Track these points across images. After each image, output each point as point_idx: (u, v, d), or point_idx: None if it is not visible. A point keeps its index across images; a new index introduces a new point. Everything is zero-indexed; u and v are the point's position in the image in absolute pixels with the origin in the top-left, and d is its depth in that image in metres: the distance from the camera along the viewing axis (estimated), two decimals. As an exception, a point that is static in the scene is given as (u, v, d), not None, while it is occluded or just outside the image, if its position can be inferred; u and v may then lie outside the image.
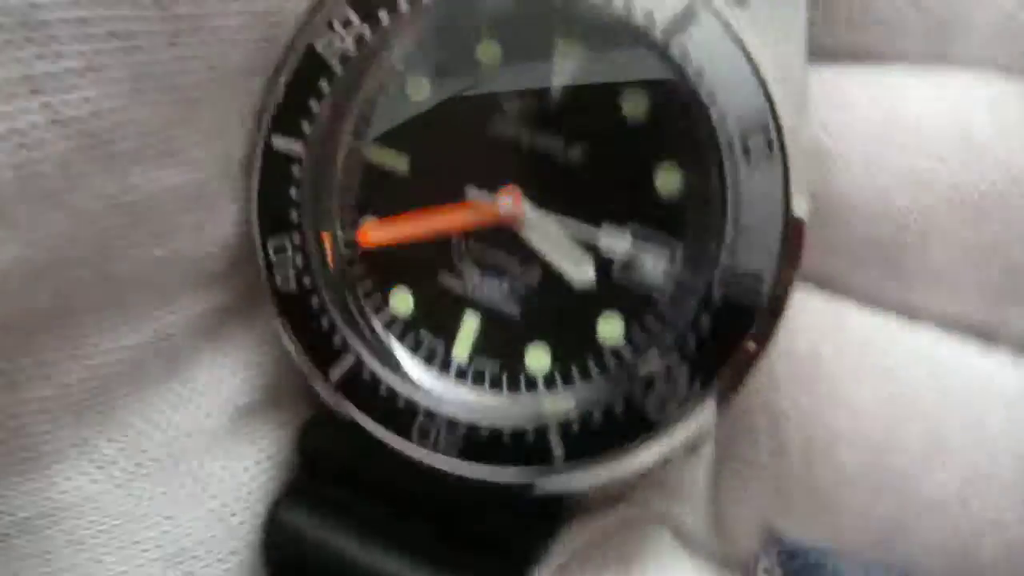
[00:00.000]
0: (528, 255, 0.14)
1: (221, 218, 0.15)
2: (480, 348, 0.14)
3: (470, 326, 0.14)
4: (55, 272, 0.14)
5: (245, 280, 0.16)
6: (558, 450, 0.13)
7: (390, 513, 0.15)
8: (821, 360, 0.17)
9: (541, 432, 0.13)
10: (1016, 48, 0.18)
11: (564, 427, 0.13)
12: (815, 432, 0.17)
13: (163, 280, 0.15)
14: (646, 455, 0.13)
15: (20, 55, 0.13)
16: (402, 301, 0.14)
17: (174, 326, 0.15)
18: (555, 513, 0.15)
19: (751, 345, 0.13)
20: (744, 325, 0.13)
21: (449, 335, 0.14)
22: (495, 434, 0.13)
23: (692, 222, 0.14)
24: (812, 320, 0.17)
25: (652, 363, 0.13)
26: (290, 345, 0.14)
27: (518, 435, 0.12)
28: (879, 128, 0.17)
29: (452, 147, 0.14)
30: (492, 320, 0.14)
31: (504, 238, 0.14)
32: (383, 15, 0.14)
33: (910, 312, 0.18)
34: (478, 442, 0.13)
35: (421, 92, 0.14)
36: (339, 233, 0.14)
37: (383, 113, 0.14)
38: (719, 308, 0.13)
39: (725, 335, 0.13)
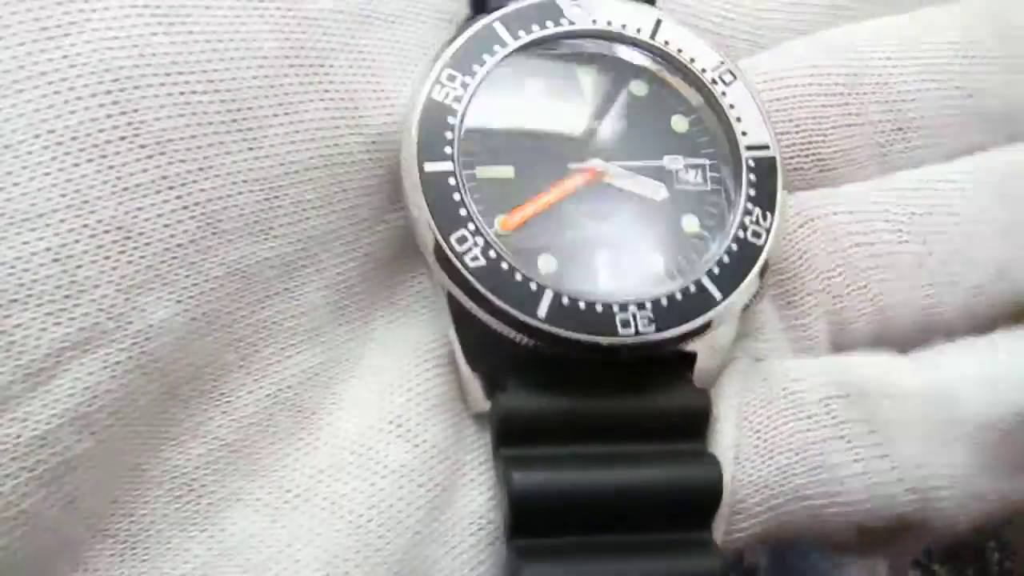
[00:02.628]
0: (621, 196, 0.18)
1: (312, 283, 0.18)
2: (614, 270, 0.17)
3: (603, 258, 0.17)
4: (198, 333, 0.16)
5: (349, 328, 0.18)
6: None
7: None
8: None
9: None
10: None
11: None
12: None
13: (275, 337, 0.17)
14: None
15: None
16: (547, 262, 0.17)
17: (292, 379, 0.17)
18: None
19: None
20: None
21: (590, 271, 0.17)
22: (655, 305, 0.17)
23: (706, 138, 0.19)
24: None
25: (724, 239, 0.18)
26: (484, 311, 0.17)
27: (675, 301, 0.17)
28: None
29: (545, 152, 0.18)
30: (616, 248, 0.17)
31: (600, 191, 0.18)
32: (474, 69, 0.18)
33: None
34: (658, 314, 0.17)
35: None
36: (486, 229, 0.17)
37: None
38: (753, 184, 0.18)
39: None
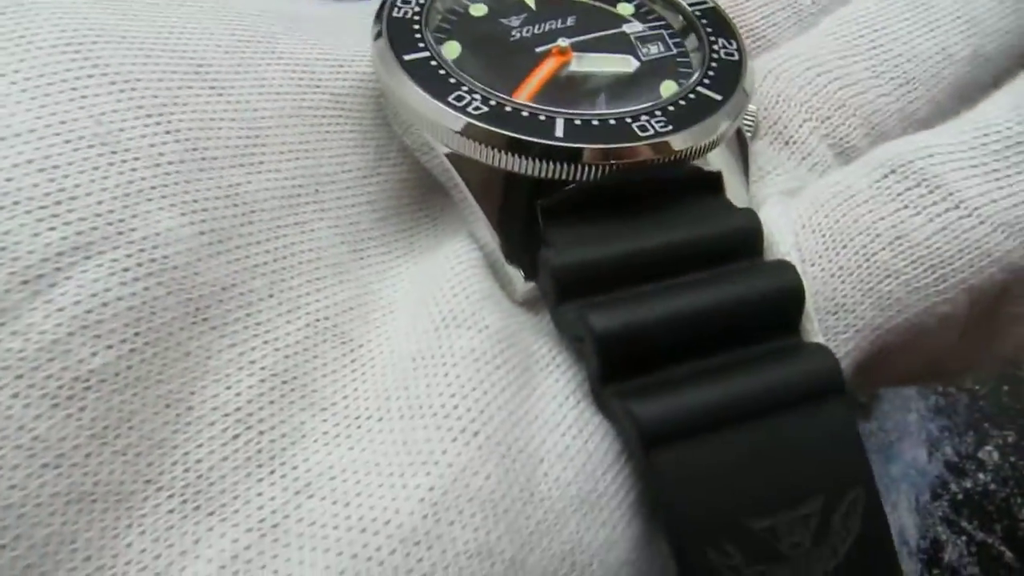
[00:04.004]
0: (594, 80, 0.19)
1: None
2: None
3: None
4: (212, 249, 0.15)
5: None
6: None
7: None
8: None
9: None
10: None
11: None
12: None
13: (299, 269, 0.17)
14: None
15: None
16: (557, 106, 0.18)
17: (327, 310, 0.17)
18: None
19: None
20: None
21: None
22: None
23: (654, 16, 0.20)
24: None
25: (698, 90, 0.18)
26: (498, 151, 0.16)
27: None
28: None
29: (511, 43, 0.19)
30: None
31: (572, 77, 0.19)
32: None
33: None
34: (670, 117, 0.17)
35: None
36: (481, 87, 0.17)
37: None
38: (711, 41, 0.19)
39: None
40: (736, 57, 0.19)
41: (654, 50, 0.19)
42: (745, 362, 0.16)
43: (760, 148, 0.20)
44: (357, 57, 0.19)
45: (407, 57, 0.17)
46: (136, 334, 0.14)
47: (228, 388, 0.15)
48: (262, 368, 0.15)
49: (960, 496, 0.32)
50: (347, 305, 0.17)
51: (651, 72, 0.19)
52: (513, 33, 0.19)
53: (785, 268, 0.17)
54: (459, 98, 0.17)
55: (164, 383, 0.14)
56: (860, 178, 0.18)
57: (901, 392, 0.34)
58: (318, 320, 0.16)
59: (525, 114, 0.17)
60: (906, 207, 0.17)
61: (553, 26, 0.19)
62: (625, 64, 0.19)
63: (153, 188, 0.15)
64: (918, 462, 0.33)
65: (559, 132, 0.16)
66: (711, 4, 0.20)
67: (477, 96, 0.17)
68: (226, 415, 0.14)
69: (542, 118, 0.17)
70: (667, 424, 0.15)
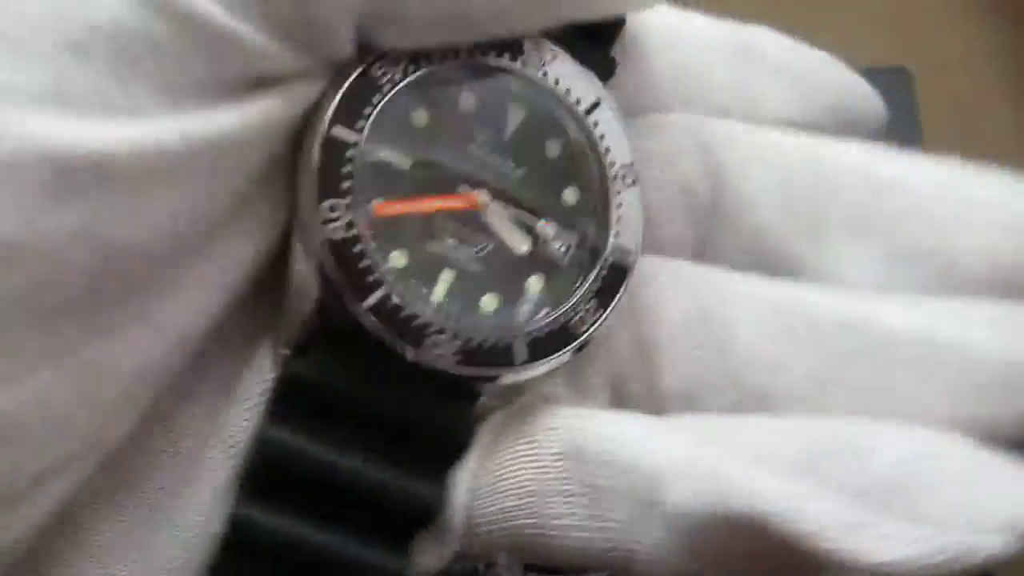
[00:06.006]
0: (487, 231, 0.19)
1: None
2: (453, 296, 0.18)
3: (446, 277, 0.18)
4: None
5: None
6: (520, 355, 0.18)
7: (358, 424, 0.18)
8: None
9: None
10: None
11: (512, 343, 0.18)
12: None
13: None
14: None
15: None
16: (399, 258, 0.18)
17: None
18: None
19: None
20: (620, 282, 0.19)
21: (430, 284, 0.18)
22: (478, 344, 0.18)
23: (585, 221, 0.20)
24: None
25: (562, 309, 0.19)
26: (342, 284, 0.17)
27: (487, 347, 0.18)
28: None
29: (445, 160, 0.19)
30: (459, 275, 0.18)
31: (471, 218, 0.19)
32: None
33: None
34: (467, 351, 0.18)
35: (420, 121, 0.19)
36: (365, 206, 0.18)
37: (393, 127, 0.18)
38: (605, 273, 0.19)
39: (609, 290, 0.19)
40: (583, 331, 0.19)
41: (555, 250, 0.19)
42: (349, 534, 0.18)
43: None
44: None
45: (335, 133, 0.18)
46: None
47: None
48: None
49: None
50: None
51: (534, 263, 0.19)
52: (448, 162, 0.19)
53: (436, 493, 0.18)
54: (333, 207, 0.17)
55: None
56: (553, 442, 0.19)
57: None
58: None
59: (363, 264, 0.17)
60: (561, 493, 0.19)
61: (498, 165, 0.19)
62: (519, 244, 0.19)
63: None
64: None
65: (370, 301, 0.17)
66: (630, 260, 0.19)
67: (348, 215, 0.17)
68: None
69: (370, 279, 0.17)
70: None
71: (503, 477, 0.19)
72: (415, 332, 0.17)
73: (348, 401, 0.18)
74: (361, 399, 0.18)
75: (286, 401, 0.18)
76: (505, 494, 0.19)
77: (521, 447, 0.19)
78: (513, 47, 0.18)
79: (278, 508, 0.17)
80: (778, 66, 0.22)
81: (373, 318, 0.17)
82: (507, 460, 0.19)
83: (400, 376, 0.18)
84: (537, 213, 0.19)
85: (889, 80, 0.40)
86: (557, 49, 0.19)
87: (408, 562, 0.18)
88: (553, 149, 0.19)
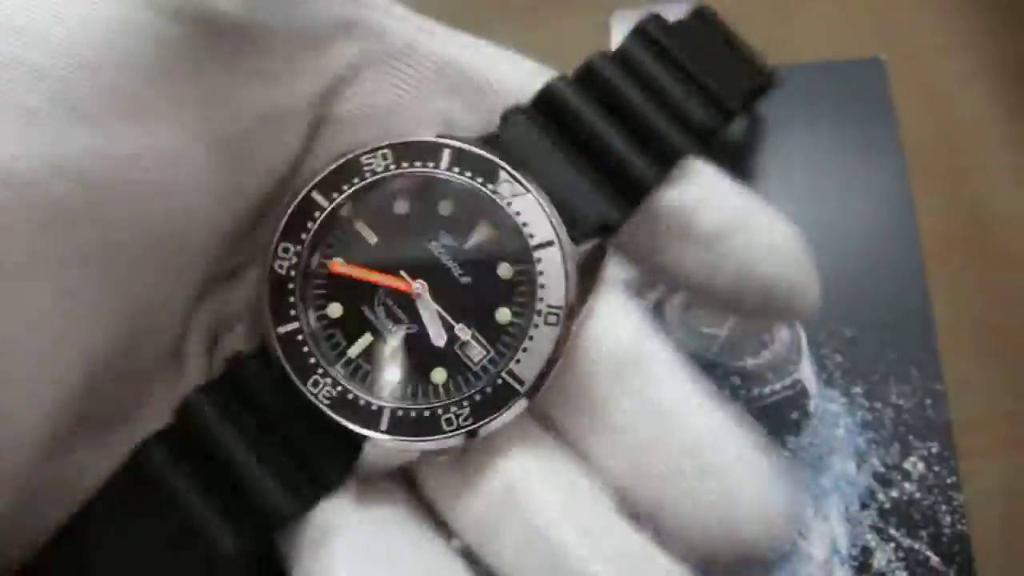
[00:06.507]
0: (416, 316, 0.21)
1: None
2: (365, 357, 0.20)
3: (366, 339, 0.20)
4: None
5: None
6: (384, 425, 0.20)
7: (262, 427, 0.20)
8: None
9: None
10: None
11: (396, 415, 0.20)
12: None
13: None
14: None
15: None
16: (335, 309, 0.21)
17: None
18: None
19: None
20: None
21: (351, 341, 0.21)
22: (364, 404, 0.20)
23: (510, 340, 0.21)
24: None
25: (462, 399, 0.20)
26: (264, 308, 0.20)
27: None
28: None
29: (406, 248, 0.21)
30: (378, 342, 0.20)
31: (406, 301, 0.21)
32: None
33: None
34: (339, 399, 0.20)
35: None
36: (317, 258, 0.21)
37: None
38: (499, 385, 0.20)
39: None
40: (454, 443, 0.20)
41: (470, 353, 0.21)
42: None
43: None
44: None
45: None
46: None
47: None
48: None
49: (888, 505, 0.34)
50: None
51: (444, 356, 0.20)
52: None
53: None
54: (285, 249, 0.20)
55: None
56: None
57: (829, 409, 0.35)
58: None
59: (291, 312, 0.20)
60: None
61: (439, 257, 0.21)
62: (437, 337, 0.21)
63: None
64: (848, 474, 0.35)
65: (278, 350, 0.20)
66: (524, 388, 0.20)
67: (295, 262, 0.20)
68: None
69: (290, 327, 0.20)
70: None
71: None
72: (307, 369, 0.20)
73: (260, 404, 0.20)
74: (270, 408, 0.20)
75: (224, 380, 0.20)
76: None
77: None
78: (492, 175, 0.21)
79: (175, 461, 0.19)
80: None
81: (280, 351, 0.20)
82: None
83: (300, 402, 0.20)
84: (462, 319, 0.21)
85: (863, 71, 0.41)
86: (528, 187, 0.21)
87: (243, 550, 0.19)
88: (505, 271, 0.21)
